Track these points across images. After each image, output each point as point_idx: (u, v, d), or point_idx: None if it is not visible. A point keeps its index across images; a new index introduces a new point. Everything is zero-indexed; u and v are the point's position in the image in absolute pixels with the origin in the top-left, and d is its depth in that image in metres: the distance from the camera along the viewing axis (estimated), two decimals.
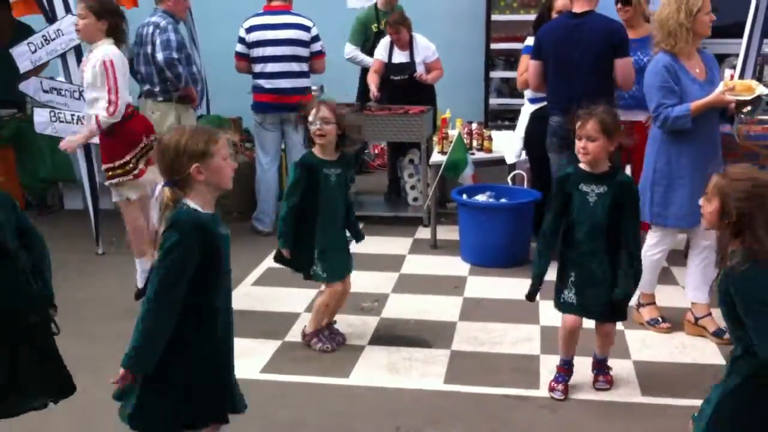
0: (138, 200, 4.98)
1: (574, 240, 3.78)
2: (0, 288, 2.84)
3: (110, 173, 4.96)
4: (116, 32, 4.88)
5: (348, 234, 4.51)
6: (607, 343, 3.99)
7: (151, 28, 6.06)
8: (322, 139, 4.21)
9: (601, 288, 3.75)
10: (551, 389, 3.94)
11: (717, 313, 4.45)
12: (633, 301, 4.81)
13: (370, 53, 7.31)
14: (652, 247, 4.61)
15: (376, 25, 7.48)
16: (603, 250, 3.73)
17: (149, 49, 6.05)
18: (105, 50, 4.78)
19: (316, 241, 4.31)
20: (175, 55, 5.95)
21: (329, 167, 4.27)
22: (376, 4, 7.56)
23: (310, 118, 4.19)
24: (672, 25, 4.30)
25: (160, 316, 2.63)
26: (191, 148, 2.65)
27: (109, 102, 4.78)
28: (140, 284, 4.97)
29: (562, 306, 3.87)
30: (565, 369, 3.97)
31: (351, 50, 7.52)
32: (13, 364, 2.88)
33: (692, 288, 4.60)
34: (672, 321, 4.70)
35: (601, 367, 4.04)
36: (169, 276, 2.61)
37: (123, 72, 4.84)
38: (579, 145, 3.71)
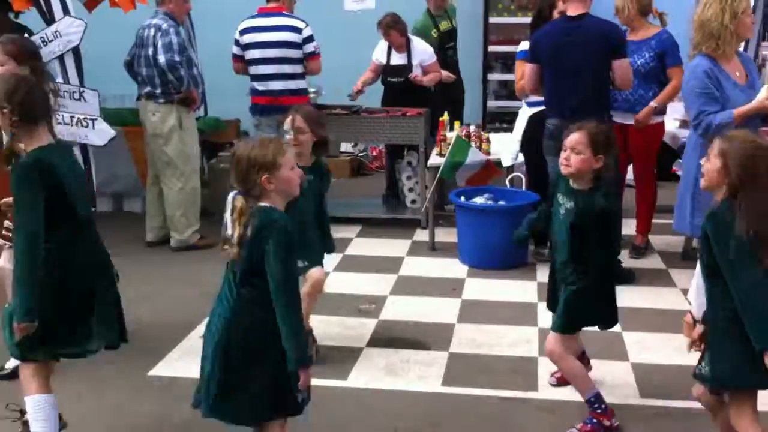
0: None
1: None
2: (90, 247, 3.33)
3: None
4: None
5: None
6: (552, 358, 3.71)
7: (152, 31, 6.05)
8: (297, 148, 3.94)
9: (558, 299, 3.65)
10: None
11: None
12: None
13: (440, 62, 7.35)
14: None
15: (435, 30, 7.44)
16: (567, 264, 3.55)
17: (150, 51, 6.05)
18: None
19: None
20: (177, 57, 5.96)
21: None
22: (428, 9, 7.52)
23: (285, 127, 4.08)
24: (716, 27, 4.12)
25: (296, 307, 2.81)
26: (261, 159, 2.82)
27: None
28: None
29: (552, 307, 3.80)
30: None
31: None
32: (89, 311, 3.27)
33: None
34: (672, 324, 4.70)
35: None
36: (291, 271, 2.85)
37: None
38: (562, 156, 3.49)
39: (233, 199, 2.85)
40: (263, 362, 2.82)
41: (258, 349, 2.82)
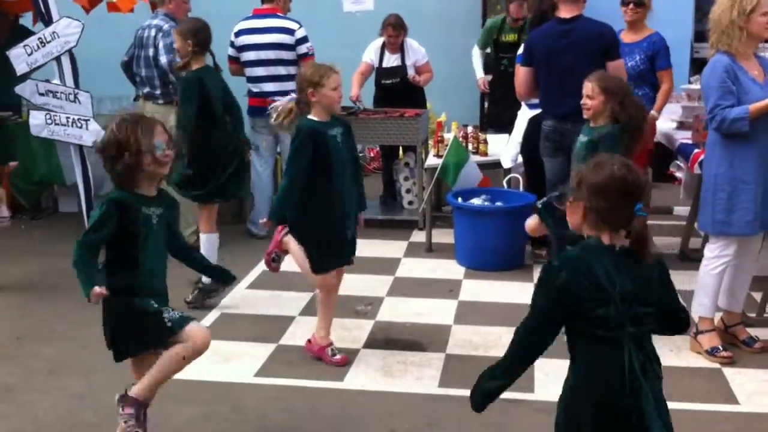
0: None
1: None
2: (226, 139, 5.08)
3: None
4: None
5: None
6: None
7: (153, 31, 6.05)
8: (166, 168, 3.16)
9: None
10: None
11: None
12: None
13: (494, 62, 7.48)
14: (713, 260, 4.31)
15: (497, 36, 7.45)
16: None
17: (151, 52, 6.04)
18: None
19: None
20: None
21: (149, 206, 3.18)
22: (505, 16, 7.50)
23: (155, 141, 3.06)
24: (725, 23, 4.12)
25: (288, 182, 4.00)
26: (309, 77, 3.94)
27: None
28: None
29: None
30: None
31: (473, 54, 7.67)
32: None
33: (727, 296, 4.44)
34: None
35: None
36: (294, 157, 3.97)
37: None
38: None
39: (289, 101, 4.05)
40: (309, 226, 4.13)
41: (304, 217, 4.11)
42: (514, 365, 2.49)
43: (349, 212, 4.19)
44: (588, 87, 4.22)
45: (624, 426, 2.33)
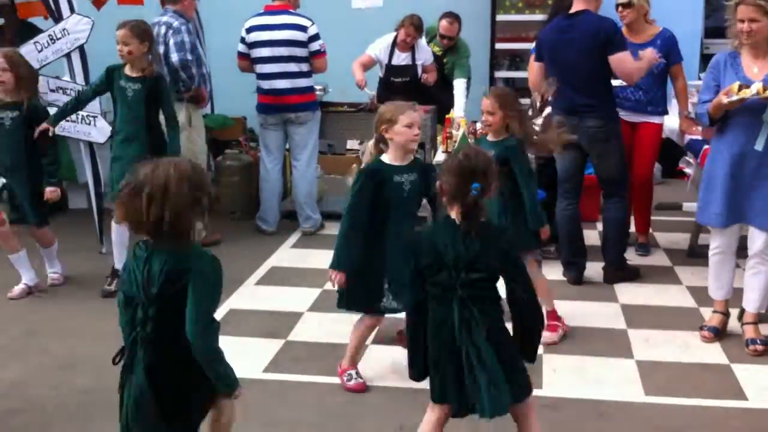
0: None
1: None
2: None
3: None
4: None
5: None
6: None
7: (162, 29, 6.06)
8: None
9: None
10: None
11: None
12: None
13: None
14: (711, 247, 4.52)
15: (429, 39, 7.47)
16: None
17: (162, 49, 6.05)
18: None
19: None
20: (189, 56, 5.96)
21: None
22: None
23: None
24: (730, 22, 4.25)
25: (348, 228, 3.81)
26: (383, 116, 3.86)
27: None
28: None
29: None
30: None
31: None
32: None
33: (744, 295, 4.48)
34: (677, 321, 4.71)
35: None
36: (353, 201, 3.81)
37: None
38: None
39: (369, 142, 3.97)
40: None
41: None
42: (409, 326, 3.08)
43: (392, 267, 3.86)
44: (486, 103, 4.25)
45: (454, 367, 2.88)
